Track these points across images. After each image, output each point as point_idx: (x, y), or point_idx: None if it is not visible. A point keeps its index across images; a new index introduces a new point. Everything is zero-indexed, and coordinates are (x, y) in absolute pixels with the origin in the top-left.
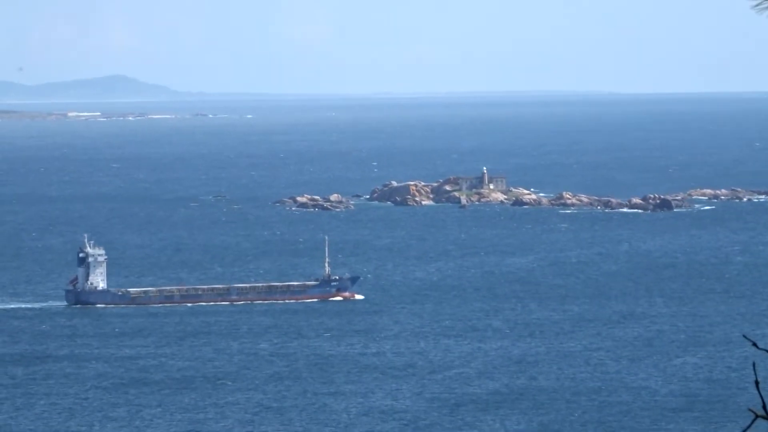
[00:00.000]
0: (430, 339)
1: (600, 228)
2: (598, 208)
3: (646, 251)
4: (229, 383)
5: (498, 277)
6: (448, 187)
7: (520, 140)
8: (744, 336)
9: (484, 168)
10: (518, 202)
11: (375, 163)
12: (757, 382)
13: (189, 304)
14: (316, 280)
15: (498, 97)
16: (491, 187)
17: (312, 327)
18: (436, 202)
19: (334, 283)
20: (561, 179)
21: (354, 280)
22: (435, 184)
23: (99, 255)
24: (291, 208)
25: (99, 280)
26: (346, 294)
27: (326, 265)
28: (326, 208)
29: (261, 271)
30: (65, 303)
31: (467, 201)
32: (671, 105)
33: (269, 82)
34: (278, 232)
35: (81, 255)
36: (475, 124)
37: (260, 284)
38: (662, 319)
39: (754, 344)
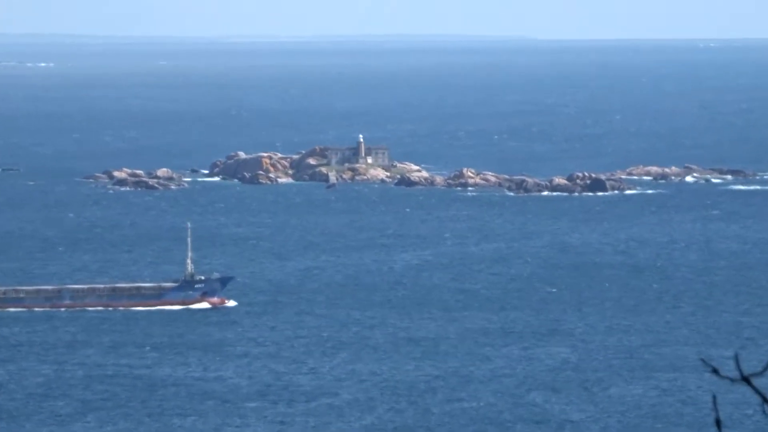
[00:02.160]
0: (292, 358)
1: (512, 216)
2: (509, 190)
3: (572, 247)
4: (22, 418)
5: (379, 278)
6: (312, 161)
7: (411, 100)
8: (702, 360)
9: (360, 136)
10: (404, 181)
11: (216, 128)
12: (718, 422)
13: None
14: (176, 281)
15: (385, 42)
16: (369, 161)
17: (146, 340)
18: (297, 180)
19: (199, 286)
20: (461, 152)
21: (225, 281)
22: (296, 157)
23: None
24: (107, 185)
25: None
26: (215, 299)
27: (188, 261)
28: (152, 186)
29: (93, 269)
30: None
31: (337, 179)
32: (606, 55)
33: (74, 20)
34: (90, 217)
35: None
36: (351, 79)
37: (102, 286)
38: (593, 336)
39: (715, 371)
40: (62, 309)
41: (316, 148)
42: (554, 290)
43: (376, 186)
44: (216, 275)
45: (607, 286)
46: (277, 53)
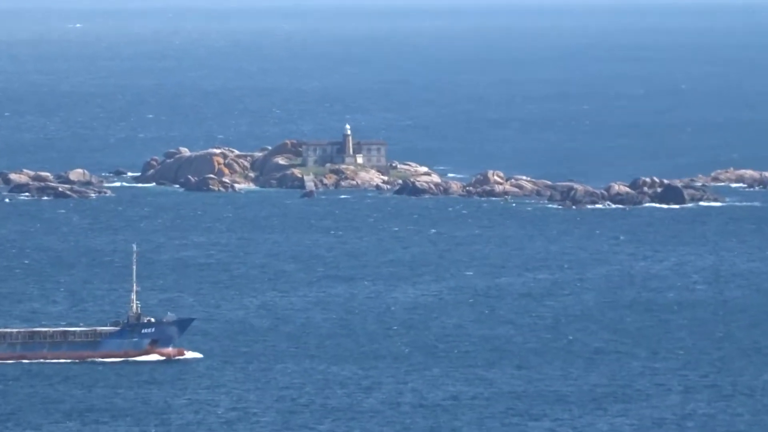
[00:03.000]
0: None
1: (556, 236)
2: (552, 201)
3: (638, 279)
4: None
5: (375, 321)
6: (281, 160)
7: (410, 77)
8: None
9: (347, 127)
10: (408, 189)
11: (151, 116)
12: None
13: None
14: (116, 324)
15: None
16: (359, 160)
17: (59, 406)
18: (261, 186)
19: (148, 331)
20: (484, 148)
21: (183, 324)
22: (258, 155)
23: None
24: (0, 192)
25: None
26: (170, 350)
27: (133, 297)
28: (63, 194)
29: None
30: None
31: (316, 184)
32: (670, 17)
33: None
34: None
35: None
36: (331, 47)
37: (14, 330)
38: (666, 401)
39: None
40: None
41: (287, 142)
42: (614, 338)
43: (369, 195)
44: (171, 316)
45: (685, 333)
46: (234, 13)
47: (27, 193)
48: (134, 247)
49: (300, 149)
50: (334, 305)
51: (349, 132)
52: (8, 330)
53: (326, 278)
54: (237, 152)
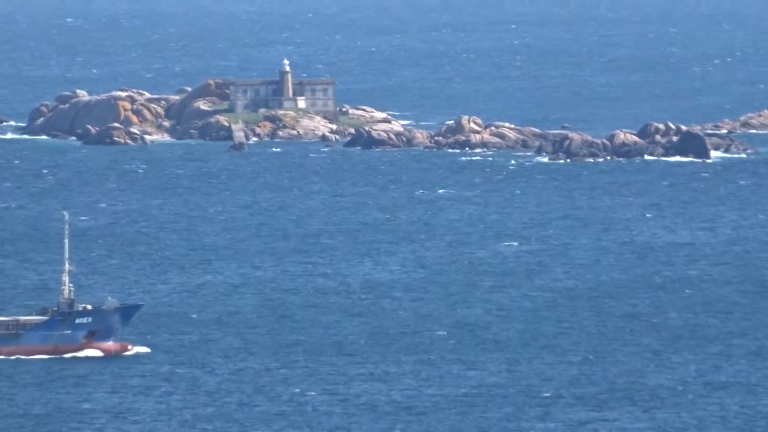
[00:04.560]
0: None
1: (547, 196)
2: (541, 153)
3: (651, 250)
4: None
5: (321, 302)
6: (203, 105)
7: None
8: None
9: (285, 62)
10: (361, 139)
11: (35, 49)
12: None
13: None
14: (43, 312)
15: None
16: (300, 104)
17: None
18: (179, 138)
19: (83, 320)
20: (456, 90)
21: (128, 312)
22: (175, 98)
23: None
24: None
25: None
26: (110, 345)
27: (65, 278)
28: None
29: None
30: None
31: (247, 135)
32: None
33: None
34: None
35: None
36: None
37: None
38: (685, 397)
39: None
40: None
41: (209, 82)
42: (621, 324)
43: (312, 147)
44: (112, 302)
45: (706, 316)
46: None
47: None
48: (65, 215)
49: (227, 91)
50: (268, 284)
51: (287, 68)
52: None
53: (259, 253)
54: (148, 95)
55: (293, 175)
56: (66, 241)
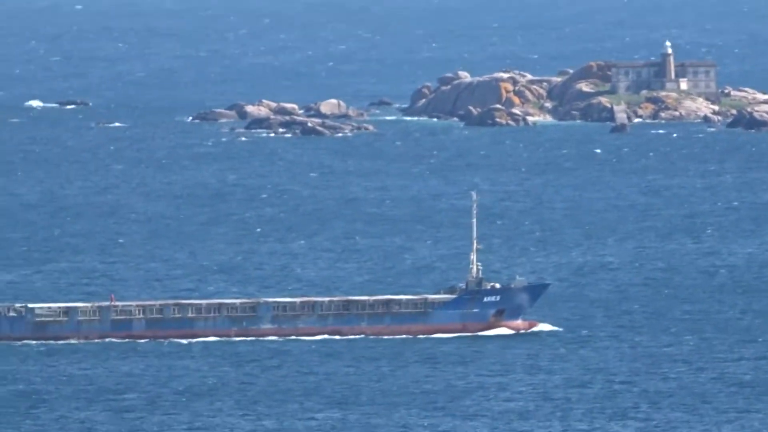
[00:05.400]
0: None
1: None
2: None
3: None
4: None
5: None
6: (585, 86)
7: None
8: None
9: (668, 44)
10: (743, 120)
11: (420, 32)
12: None
13: (166, 339)
14: (451, 290)
15: None
16: (682, 86)
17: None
18: (560, 119)
19: (492, 299)
20: None
21: (536, 291)
22: (556, 79)
23: None
24: (234, 129)
25: None
26: (518, 323)
27: (473, 257)
28: (313, 130)
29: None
30: None
31: (629, 116)
32: None
33: None
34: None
35: None
36: None
37: (326, 299)
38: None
39: None
40: (257, 337)
41: (592, 65)
42: None
43: (694, 128)
44: (520, 280)
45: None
46: None
47: (267, 129)
48: (473, 195)
49: (609, 73)
50: (653, 261)
51: (669, 50)
52: (317, 299)
53: (645, 231)
54: (530, 77)
55: (677, 155)
56: (474, 220)
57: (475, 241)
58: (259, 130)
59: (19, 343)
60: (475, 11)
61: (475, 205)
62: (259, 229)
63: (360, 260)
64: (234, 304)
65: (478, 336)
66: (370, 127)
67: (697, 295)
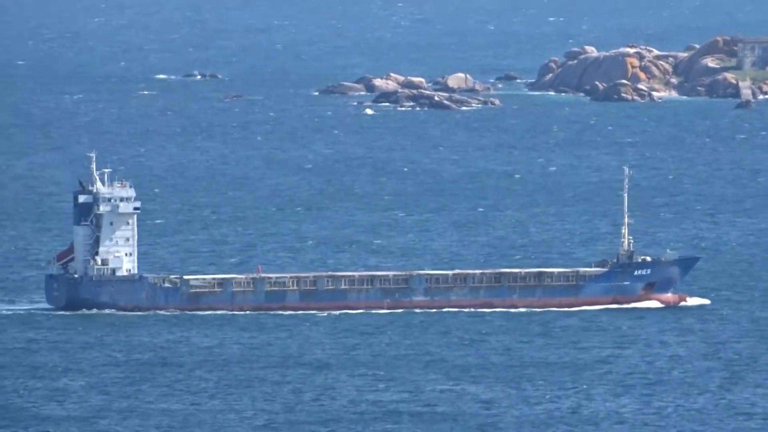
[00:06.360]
0: None
1: None
2: None
3: None
4: None
5: None
6: (711, 62)
7: None
8: None
9: None
10: None
11: (547, 7)
12: None
13: (318, 311)
14: (602, 263)
15: None
16: None
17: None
18: (687, 94)
19: (642, 272)
20: None
21: (686, 264)
22: (683, 55)
23: (124, 199)
24: (363, 103)
25: (123, 254)
26: (669, 296)
27: (624, 231)
28: (440, 104)
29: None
30: (47, 304)
31: (755, 93)
32: None
33: None
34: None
35: (83, 199)
36: None
37: (478, 272)
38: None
39: None
40: (412, 309)
41: (718, 39)
42: None
43: None
44: (670, 254)
45: None
46: None
47: (395, 104)
48: (626, 170)
49: (735, 48)
50: None
51: None
52: (469, 271)
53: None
54: (656, 52)
55: None
56: (625, 195)
57: (626, 215)
58: (386, 104)
59: (174, 313)
60: None
61: (626, 180)
62: (386, 200)
63: (488, 233)
64: (387, 276)
65: (629, 307)
66: (497, 102)
67: None
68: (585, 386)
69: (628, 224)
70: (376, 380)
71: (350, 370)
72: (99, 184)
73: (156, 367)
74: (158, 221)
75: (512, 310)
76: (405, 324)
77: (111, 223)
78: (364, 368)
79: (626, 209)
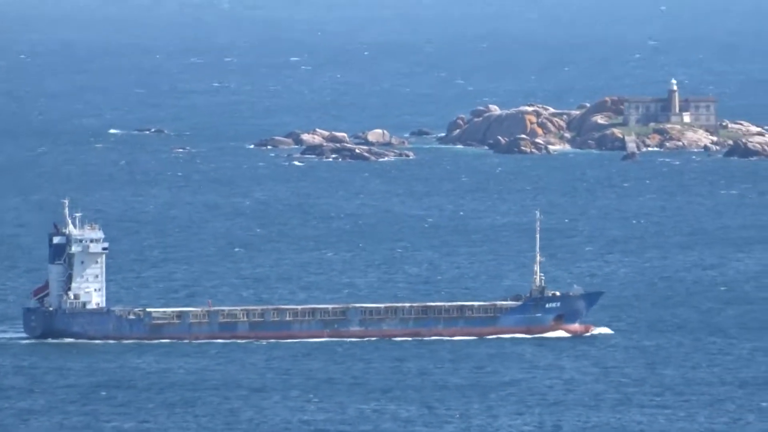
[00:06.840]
0: None
1: None
2: None
3: None
4: None
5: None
6: (600, 119)
7: (743, 27)
8: None
9: (673, 82)
10: (739, 150)
11: (463, 70)
12: None
13: (264, 341)
14: (517, 298)
15: None
16: (686, 119)
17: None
18: (579, 147)
19: (553, 305)
20: None
21: (591, 299)
22: (575, 113)
23: (94, 240)
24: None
25: (92, 289)
26: (576, 326)
27: (536, 268)
28: (360, 156)
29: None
30: (24, 334)
31: (638, 146)
32: None
33: None
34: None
35: (57, 240)
36: None
37: (406, 305)
38: None
39: None
40: (349, 338)
41: (606, 99)
42: None
43: (695, 157)
44: (577, 289)
45: None
46: None
47: (320, 156)
48: (537, 213)
49: (621, 107)
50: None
51: (675, 87)
52: (399, 305)
53: (652, 248)
54: (552, 110)
55: (678, 180)
56: (537, 236)
57: (538, 254)
58: (313, 156)
59: (139, 342)
60: (499, 50)
61: (538, 222)
62: (314, 241)
63: (403, 271)
64: (326, 308)
65: (543, 337)
66: (411, 154)
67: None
68: (490, 406)
69: (540, 262)
70: (306, 402)
71: (283, 392)
72: (71, 226)
73: (111, 389)
74: (110, 260)
75: (435, 338)
76: (331, 351)
77: (82, 262)
78: (296, 390)
79: (538, 248)
